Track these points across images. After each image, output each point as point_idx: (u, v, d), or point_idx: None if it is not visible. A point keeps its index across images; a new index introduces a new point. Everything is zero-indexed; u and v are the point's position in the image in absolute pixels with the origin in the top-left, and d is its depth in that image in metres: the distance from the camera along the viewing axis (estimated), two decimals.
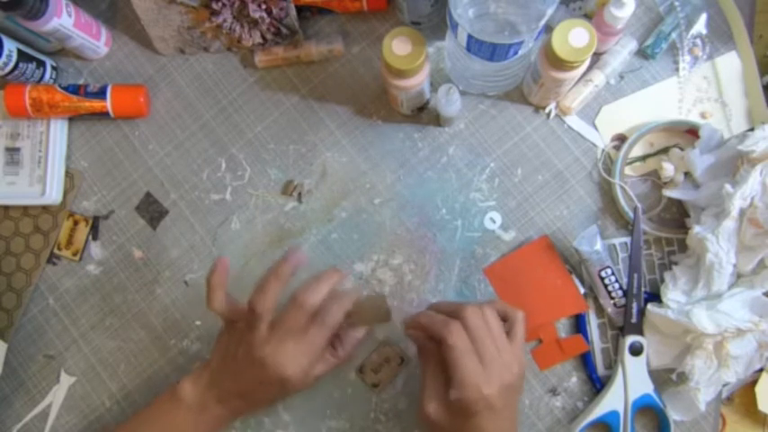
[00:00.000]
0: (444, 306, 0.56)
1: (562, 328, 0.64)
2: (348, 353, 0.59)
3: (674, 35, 0.65)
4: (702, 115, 0.65)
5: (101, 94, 0.65)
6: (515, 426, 0.54)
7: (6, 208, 0.68)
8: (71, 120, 0.68)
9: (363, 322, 0.58)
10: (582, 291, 0.63)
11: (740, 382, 0.63)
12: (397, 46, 0.55)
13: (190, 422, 0.56)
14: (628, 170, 0.65)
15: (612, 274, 0.61)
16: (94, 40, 0.66)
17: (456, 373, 0.51)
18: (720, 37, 0.66)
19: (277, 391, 0.55)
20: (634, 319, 0.61)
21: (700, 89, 0.65)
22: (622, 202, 0.63)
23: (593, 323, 0.64)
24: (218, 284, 0.55)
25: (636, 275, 0.61)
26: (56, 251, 0.68)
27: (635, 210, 0.62)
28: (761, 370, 0.62)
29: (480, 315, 0.53)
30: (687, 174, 0.63)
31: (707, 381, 0.58)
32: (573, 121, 0.66)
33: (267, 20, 0.64)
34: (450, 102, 0.59)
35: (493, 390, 0.50)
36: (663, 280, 0.62)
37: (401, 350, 0.64)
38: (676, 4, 0.65)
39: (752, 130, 0.63)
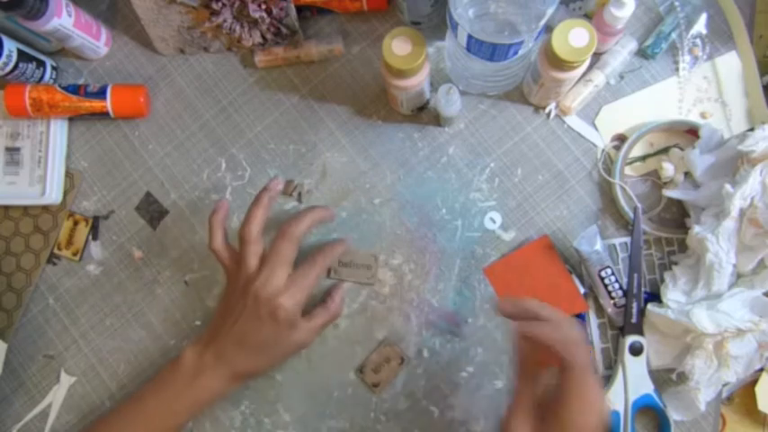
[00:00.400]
0: (540, 311, 0.50)
1: None
2: (338, 305, 0.62)
3: (674, 35, 0.65)
4: (702, 115, 0.65)
5: (101, 94, 0.65)
6: None
7: (6, 208, 0.68)
8: (71, 120, 0.68)
9: (347, 277, 0.63)
10: (582, 291, 0.63)
11: (740, 382, 0.63)
12: (397, 46, 0.55)
13: (186, 385, 0.57)
14: (628, 170, 0.65)
15: (612, 274, 0.61)
16: (94, 40, 0.66)
17: (574, 409, 0.44)
18: (720, 37, 0.66)
19: (271, 332, 0.56)
20: (634, 319, 0.61)
21: (700, 89, 0.65)
22: (622, 202, 0.63)
23: (593, 323, 0.64)
24: (218, 224, 0.59)
25: (636, 275, 0.61)
26: (56, 251, 0.68)
27: (635, 210, 0.62)
28: (761, 370, 0.62)
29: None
30: (687, 174, 0.63)
31: (707, 381, 0.58)
32: (573, 121, 0.66)
33: (267, 20, 0.64)
34: (450, 102, 0.59)
35: (598, 419, 0.45)
36: (663, 280, 0.62)
37: (401, 350, 0.64)
38: (676, 4, 0.65)
39: (752, 130, 0.63)
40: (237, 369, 0.58)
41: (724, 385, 0.62)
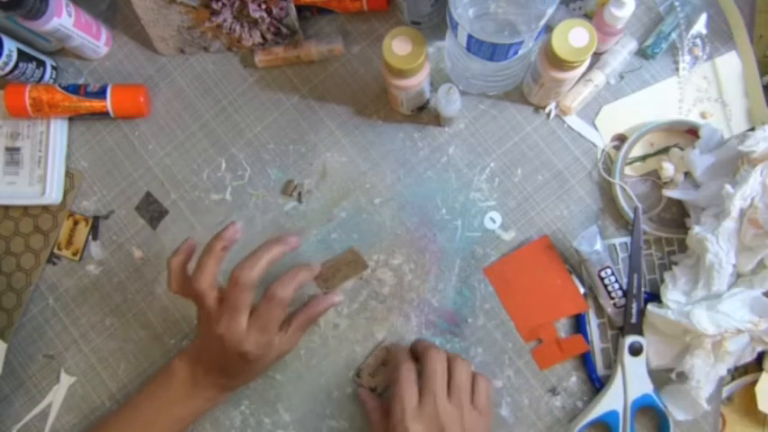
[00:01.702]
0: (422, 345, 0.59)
1: (562, 328, 0.64)
2: (317, 310, 0.61)
3: (674, 35, 0.65)
4: (702, 115, 0.65)
5: (101, 93, 0.65)
6: None
7: (6, 208, 0.68)
8: (71, 120, 0.68)
9: (343, 280, 0.64)
10: (582, 291, 0.63)
11: (740, 383, 0.63)
12: (397, 46, 0.55)
13: (184, 395, 0.58)
14: (628, 170, 0.65)
15: (612, 274, 0.61)
16: (94, 40, 0.66)
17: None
18: (720, 37, 0.66)
19: (246, 366, 0.57)
20: (634, 320, 0.61)
21: (700, 89, 0.65)
22: (622, 202, 0.63)
23: (592, 323, 0.64)
24: (176, 268, 0.57)
25: (636, 275, 0.61)
26: (56, 251, 0.68)
27: (635, 210, 0.62)
28: (761, 369, 0.62)
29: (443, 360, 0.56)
30: (687, 174, 0.63)
31: (704, 377, 0.58)
32: (573, 121, 0.66)
33: (267, 20, 0.64)
34: (450, 102, 0.59)
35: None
36: (663, 280, 0.62)
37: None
38: (676, 4, 0.65)
39: (752, 130, 0.63)
40: (226, 387, 0.60)
41: (724, 385, 0.62)
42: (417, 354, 0.59)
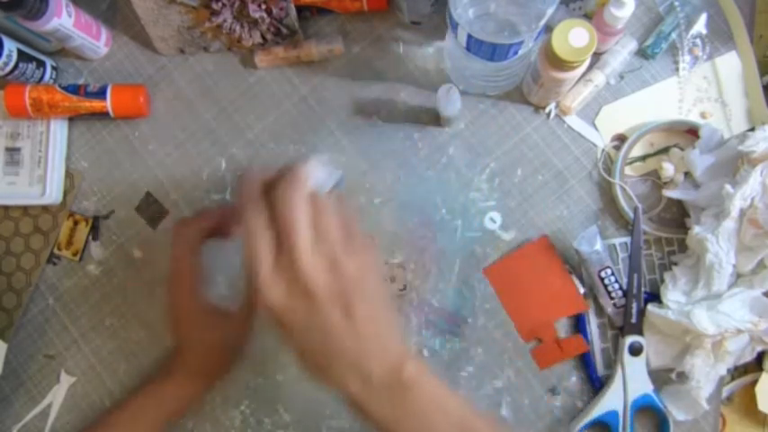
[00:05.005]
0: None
1: (562, 328, 0.64)
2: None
3: (673, 35, 0.65)
4: (702, 115, 0.65)
5: (101, 94, 0.65)
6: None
7: (6, 208, 0.68)
8: (71, 120, 0.68)
9: None
10: (582, 291, 0.63)
11: (740, 382, 0.63)
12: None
13: (165, 393, 0.57)
14: (628, 170, 0.65)
15: (612, 274, 0.61)
16: (94, 40, 0.66)
17: None
18: (720, 37, 0.66)
19: (182, 328, 0.56)
20: (634, 320, 0.61)
21: (700, 89, 0.65)
22: (622, 202, 0.63)
23: (592, 323, 0.64)
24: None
25: (636, 275, 0.61)
26: (56, 251, 0.68)
27: (635, 210, 0.62)
28: (761, 369, 0.62)
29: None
30: (687, 174, 0.63)
31: (704, 377, 0.58)
32: (573, 121, 0.66)
33: (267, 20, 0.64)
34: (450, 102, 0.59)
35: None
36: (663, 280, 0.62)
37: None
38: (676, 4, 0.65)
39: (752, 130, 0.63)
40: (195, 373, 0.58)
41: (724, 385, 0.62)
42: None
